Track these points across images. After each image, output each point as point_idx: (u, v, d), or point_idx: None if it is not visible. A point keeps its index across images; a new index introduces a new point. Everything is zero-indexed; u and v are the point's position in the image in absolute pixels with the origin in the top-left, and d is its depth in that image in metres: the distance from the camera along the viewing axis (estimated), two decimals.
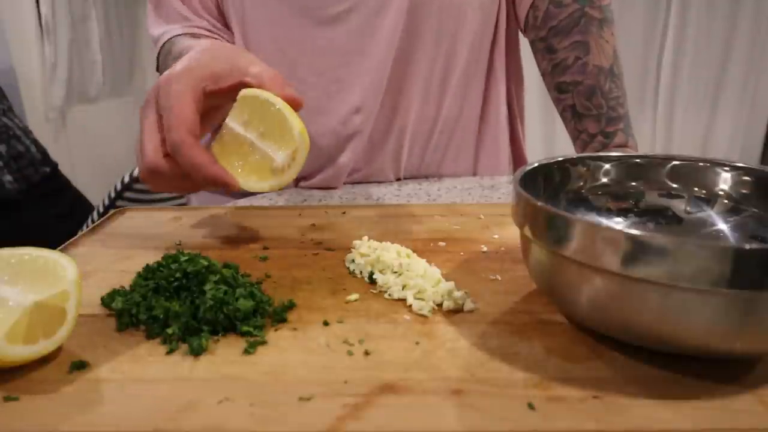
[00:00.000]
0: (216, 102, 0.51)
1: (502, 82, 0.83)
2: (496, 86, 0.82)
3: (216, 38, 0.75)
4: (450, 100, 0.80)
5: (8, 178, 1.38)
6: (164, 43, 0.74)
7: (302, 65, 0.74)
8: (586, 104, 0.71)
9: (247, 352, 0.36)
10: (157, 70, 0.77)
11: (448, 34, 0.76)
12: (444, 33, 0.76)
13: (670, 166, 0.47)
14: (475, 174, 0.84)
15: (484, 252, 0.51)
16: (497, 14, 0.79)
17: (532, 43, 0.77)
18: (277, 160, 0.48)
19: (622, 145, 0.71)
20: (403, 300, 0.42)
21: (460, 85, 0.79)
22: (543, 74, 0.77)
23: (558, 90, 0.74)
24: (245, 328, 0.38)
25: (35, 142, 1.51)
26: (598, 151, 0.70)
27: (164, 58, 0.72)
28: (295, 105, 0.49)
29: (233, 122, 0.50)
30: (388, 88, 0.76)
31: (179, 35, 0.73)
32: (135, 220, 0.61)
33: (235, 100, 0.50)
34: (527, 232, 0.37)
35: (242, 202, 0.74)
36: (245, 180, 0.49)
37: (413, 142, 0.80)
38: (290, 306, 0.41)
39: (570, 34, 0.72)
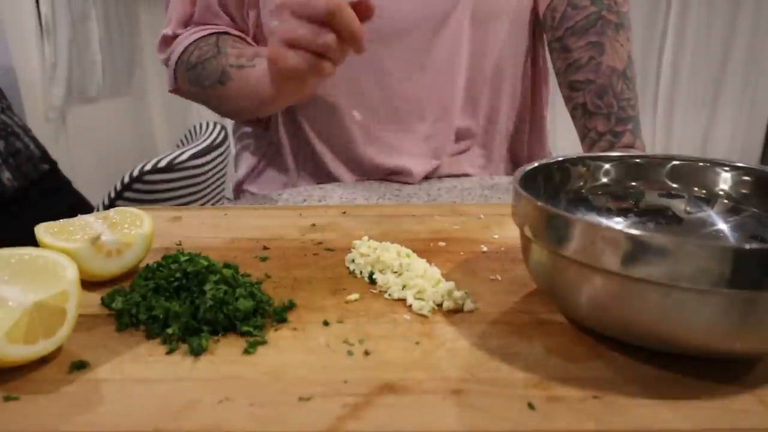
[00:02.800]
0: None
1: (538, 85, 0.87)
2: (537, 90, 0.87)
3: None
4: (506, 109, 0.84)
5: (6, 174, 1.38)
6: (205, 36, 0.75)
7: (366, 82, 0.77)
8: (597, 102, 0.72)
9: (247, 352, 0.36)
10: (168, 63, 0.78)
11: (508, 46, 0.80)
12: (505, 46, 0.80)
13: (670, 166, 0.47)
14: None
15: (484, 252, 0.51)
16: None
17: (549, 44, 0.79)
18: (102, 237, 0.44)
19: (629, 146, 0.71)
20: (403, 300, 0.42)
21: (515, 92, 0.84)
22: (557, 73, 0.78)
23: (570, 88, 0.76)
24: (245, 328, 0.38)
25: (34, 139, 1.51)
26: (605, 150, 0.71)
27: (214, 56, 0.73)
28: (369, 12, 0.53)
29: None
30: (459, 99, 0.80)
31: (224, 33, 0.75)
32: None
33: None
34: (527, 232, 0.37)
35: (242, 202, 0.74)
36: (54, 238, 0.43)
37: (462, 149, 0.84)
38: (290, 306, 0.41)
39: (586, 35, 0.73)
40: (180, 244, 0.53)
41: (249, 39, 0.78)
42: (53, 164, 1.52)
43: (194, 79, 0.74)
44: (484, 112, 0.83)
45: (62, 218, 0.46)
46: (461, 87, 0.79)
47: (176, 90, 0.80)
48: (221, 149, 1.72)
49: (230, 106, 0.74)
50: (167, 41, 0.79)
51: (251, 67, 0.67)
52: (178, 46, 0.76)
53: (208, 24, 0.77)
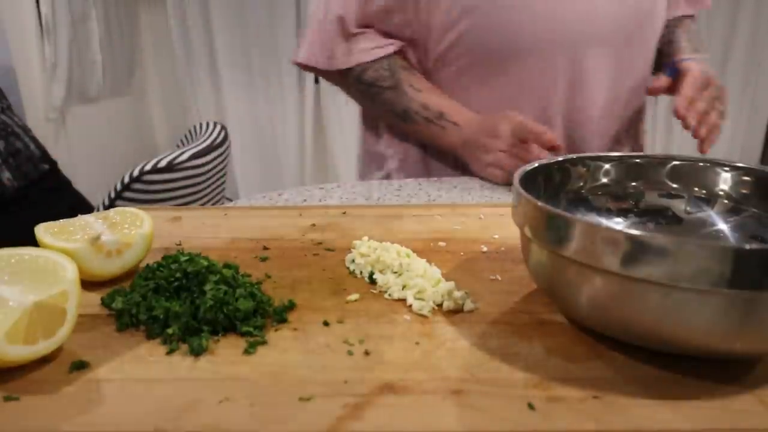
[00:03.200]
0: None
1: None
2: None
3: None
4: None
5: (6, 175, 1.37)
6: (382, 58, 0.82)
7: (572, 88, 0.82)
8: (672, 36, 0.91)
9: (247, 352, 0.36)
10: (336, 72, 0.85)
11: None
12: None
13: (670, 166, 0.47)
14: None
15: (484, 252, 0.51)
16: None
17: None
18: (102, 237, 0.44)
19: (697, 50, 0.89)
20: (403, 300, 0.42)
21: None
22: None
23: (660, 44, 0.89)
24: (245, 328, 0.38)
25: (34, 139, 1.50)
26: (680, 35, 0.89)
27: (388, 76, 0.82)
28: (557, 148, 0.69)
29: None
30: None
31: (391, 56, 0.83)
32: None
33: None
34: (527, 232, 0.37)
35: (242, 201, 0.74)
36: (54, 238, 0.43)
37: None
38: (290, 306, 0.41)
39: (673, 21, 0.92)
40: (180, 244, 0.53)
41: (412, 58, 0.84)
42: (53, 164, 1.52)
43: (365, 93, 0.85)
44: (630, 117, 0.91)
45: (62, 218, 0.46)
46: (627, 93, 0.86)
47: (304, 66, 0.86)
48: (221, 149, 1.72)
49: (401, 129, 0.88)
50: (343, 27, 0.81)
51: (438, 126, 0.80)
52: (355, 53, 0.81)
53: (373, 24, 0.81)
